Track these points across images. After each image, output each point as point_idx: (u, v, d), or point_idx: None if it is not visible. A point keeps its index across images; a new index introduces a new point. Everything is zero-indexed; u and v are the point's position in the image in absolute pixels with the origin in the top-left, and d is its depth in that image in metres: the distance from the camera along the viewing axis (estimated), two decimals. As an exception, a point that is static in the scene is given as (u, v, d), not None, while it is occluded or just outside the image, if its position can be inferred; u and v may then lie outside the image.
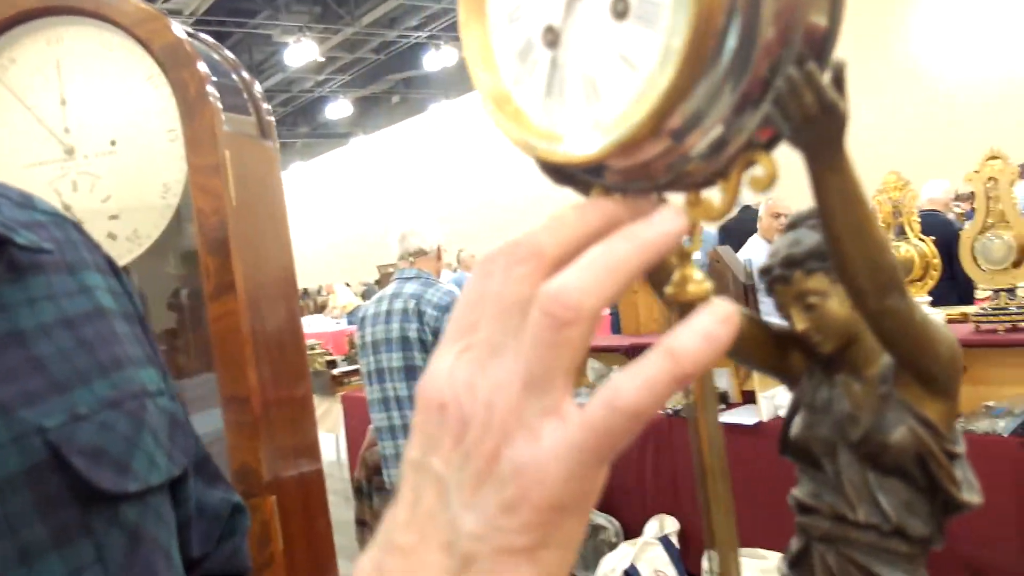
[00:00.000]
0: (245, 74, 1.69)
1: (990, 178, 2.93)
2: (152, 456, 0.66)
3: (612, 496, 4.14)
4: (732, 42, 0.38)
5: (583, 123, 0.44)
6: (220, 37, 19.04)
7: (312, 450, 1.60)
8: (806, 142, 0.55)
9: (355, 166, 24.99)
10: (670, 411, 3.87)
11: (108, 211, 1.47)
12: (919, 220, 2.86)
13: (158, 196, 1.44)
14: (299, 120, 23.88)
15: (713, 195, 0.47)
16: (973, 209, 2.94)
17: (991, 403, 2.68)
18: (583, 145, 0.44)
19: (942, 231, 3.48)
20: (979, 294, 3.89)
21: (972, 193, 2.95)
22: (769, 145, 0.44)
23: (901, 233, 2.81)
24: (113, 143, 1.46)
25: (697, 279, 0.47)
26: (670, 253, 0.40)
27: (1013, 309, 2.84)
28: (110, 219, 1.47)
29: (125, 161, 1.46)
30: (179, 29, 1.47)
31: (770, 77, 0.40)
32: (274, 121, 1.68)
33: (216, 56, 1.69)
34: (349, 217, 25.06)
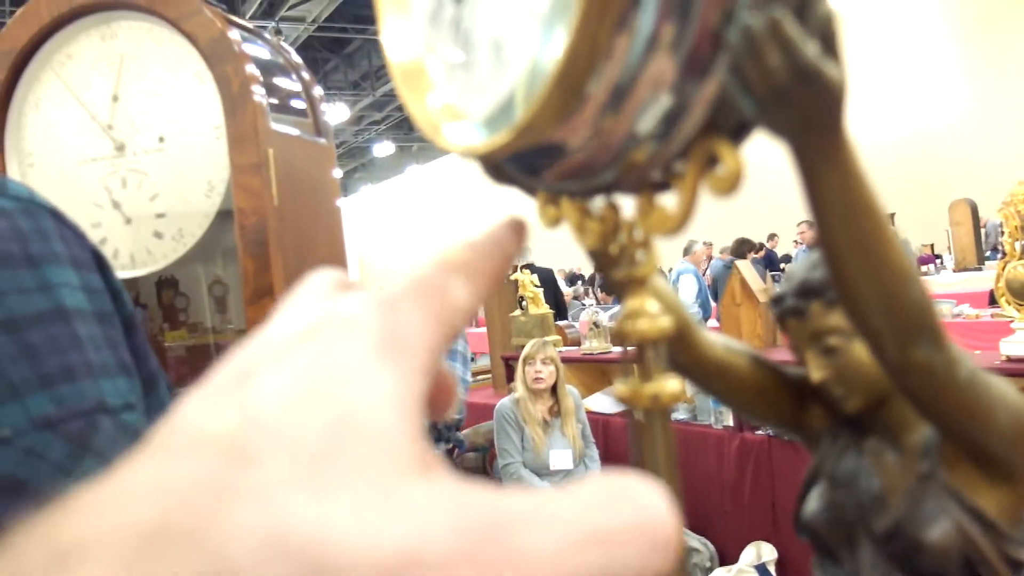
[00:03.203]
0: (306, 75, 1.64)
1: None
2: None
3: (708, 519, 3.96)
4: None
5: (491, 100, 0.33)
6: (340, 43, 19.77)
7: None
8: (783, 125, 0.40)
9: (470, 169, 25.29)
10: (770, 432, 3.67)
11: (155, 209, 1.44)
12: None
13: (203, 194, 1.40)
14: (416, 124, 24.26)
15: (668, 203, 0.34)
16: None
17: None
18: (481, 133, 0.33)
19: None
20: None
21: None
22: (738, 132, 0.32)
23: (1031, 250, 2.52)
24: (161, 140, 1.43)
25: (652, 312, 0.35)
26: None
27: None
28: (157, 217, 1.44)
29: (172, 158, 1.43)
30: (230, 26, 1.43)
31: (721, 28, 0.28)
32: (331, 125, 1.62)
33: (280, 58, 1.64)
34: (461, 219, 25.38)
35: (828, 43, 0.33)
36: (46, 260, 0.63)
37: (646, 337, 0.35)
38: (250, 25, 1.62)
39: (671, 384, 0.34)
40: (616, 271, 0.36)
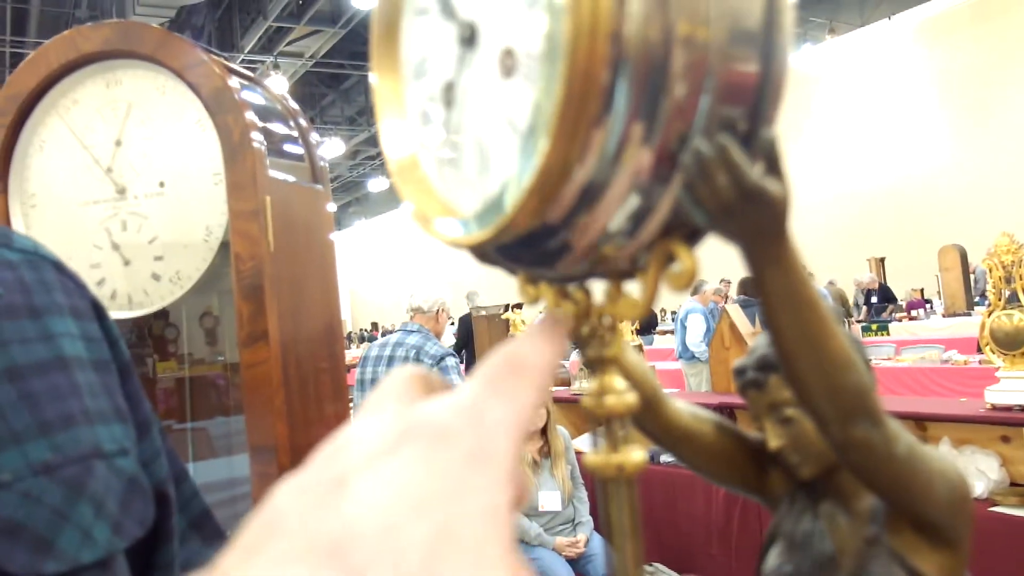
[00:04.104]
0: (303, 121, 1.68)
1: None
2: (88, 530, 0.60)
3: (695, 561, 3.96)
4: (623, 101, 0.30)
5: (476, 198, 0.37)
6: (338, 79, 19.86)
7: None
8: (732, 234, 0.44)
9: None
10: (757, 476, 3.69)
11: (153, 252, 1.47)
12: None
13: (201, 239, 1.44)
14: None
15: (634, 290, 0.38)
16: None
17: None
18: (467, 227, 0.36)
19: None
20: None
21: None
22: (693, 236, 0.36)
23: (1014, 300, 2.58)
24: (162, 184, 1.47)
25: (618, 389, 0.39)
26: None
27: None
28: (155, 260, 1.47)
29: (172, 202, 1.46)
30: (231, 75, 1.47)
31: (678, 150, 0.32)
32: (327, 167, 1.66)
33: (278, 105, 1.69)
34: (454, 257, 25.42)
35: (772, 164, 0.37)
36: (48, 311, 0.66)
37: (613, 412, 0.38)
38: (249, 72, 1.67)
39: (636, 455, 0.38)
40: (587, 350, 0.40)
